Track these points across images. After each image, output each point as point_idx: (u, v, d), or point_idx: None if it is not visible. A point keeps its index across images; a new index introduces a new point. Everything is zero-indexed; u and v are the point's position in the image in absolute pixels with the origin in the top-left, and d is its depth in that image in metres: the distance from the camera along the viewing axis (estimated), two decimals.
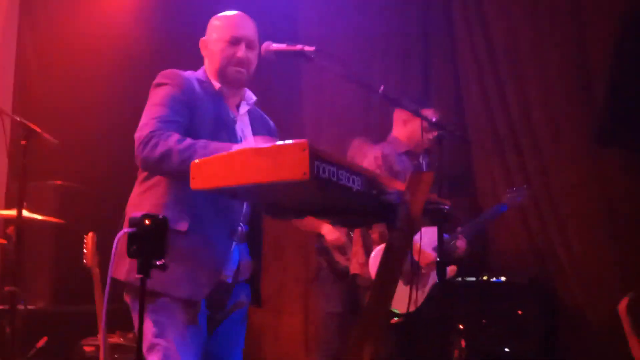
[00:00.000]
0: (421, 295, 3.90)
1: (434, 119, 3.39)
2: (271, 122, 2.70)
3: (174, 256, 2.17)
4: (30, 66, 5.56)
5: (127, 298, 2.38)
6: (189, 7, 5.57)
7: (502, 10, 5.33)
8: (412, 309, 3.48)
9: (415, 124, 4.02)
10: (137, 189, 2.44)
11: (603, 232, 4.80)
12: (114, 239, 2.07)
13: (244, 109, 2.57)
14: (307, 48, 2.38)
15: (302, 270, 5.84)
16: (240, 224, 2.42)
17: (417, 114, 2.94)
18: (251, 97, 2.60)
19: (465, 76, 5.50)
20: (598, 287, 4.75)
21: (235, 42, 2.50)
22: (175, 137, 2.23)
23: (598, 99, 4.79)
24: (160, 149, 2.21)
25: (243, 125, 2.54)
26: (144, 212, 1.96)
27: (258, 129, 2.58)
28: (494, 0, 5.38)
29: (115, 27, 5.71)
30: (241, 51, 2.49)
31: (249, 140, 2.45)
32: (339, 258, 4.58)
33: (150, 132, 2.25)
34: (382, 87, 2.47)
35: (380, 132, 5.72)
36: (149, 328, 2.25)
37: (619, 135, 4.64)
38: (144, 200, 2.36)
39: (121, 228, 2.37)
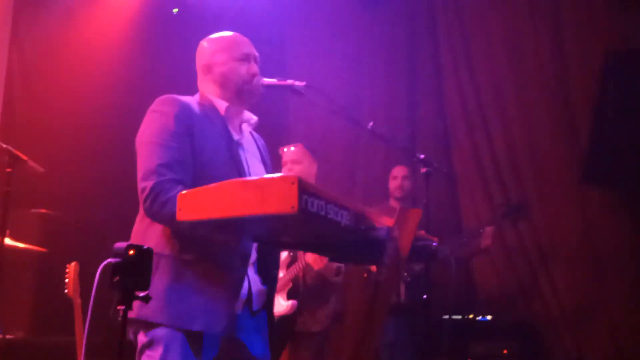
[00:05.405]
0: None
1: (422, 156, 3.39)
2: (262, 140, 2.64)
3: (185, 287, 2.15)
4: (17, 93, 5.53)
5: (137, 335, 2.23)
6: (183, 31, 5.49)
7: (487, 51, 5.41)
8: None
9: None
10: (141, 224, 2.31)
11: (588, 271, 4.79)
12: (96, 268, 2.02)
13: (246, 129, 2.52)
14: (297, 83, 2.41)
15: None
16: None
17: (406, 150, 2.96)
18: (251, 117, 2.53)
19: (451, 114, 5.55)
20: (584, 326, 4.74)
21: (247, 59, 2.45)
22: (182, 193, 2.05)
23: (583, 137, 4.82)
24: (168, 209, 2.08)
25: (247, 146, 2.48)
26: (129, 242, 1.91)
27: (255, 149, 2.54)
28: (479, 41, 5.47)
29: (104, 52, 5.63)
30: (254, 67, 2.45)
31: (253, 164, 2.42)
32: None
33: (155, 184, 2.16)
34: (371, 123, 2.49)
35: (366, 168, 5.78)
36: None
37: (604, 174, 4.66)
38: (150, 233, 2.25)
39: None
